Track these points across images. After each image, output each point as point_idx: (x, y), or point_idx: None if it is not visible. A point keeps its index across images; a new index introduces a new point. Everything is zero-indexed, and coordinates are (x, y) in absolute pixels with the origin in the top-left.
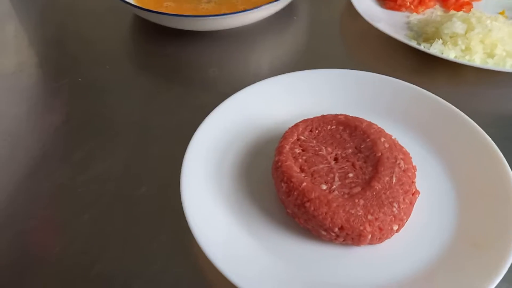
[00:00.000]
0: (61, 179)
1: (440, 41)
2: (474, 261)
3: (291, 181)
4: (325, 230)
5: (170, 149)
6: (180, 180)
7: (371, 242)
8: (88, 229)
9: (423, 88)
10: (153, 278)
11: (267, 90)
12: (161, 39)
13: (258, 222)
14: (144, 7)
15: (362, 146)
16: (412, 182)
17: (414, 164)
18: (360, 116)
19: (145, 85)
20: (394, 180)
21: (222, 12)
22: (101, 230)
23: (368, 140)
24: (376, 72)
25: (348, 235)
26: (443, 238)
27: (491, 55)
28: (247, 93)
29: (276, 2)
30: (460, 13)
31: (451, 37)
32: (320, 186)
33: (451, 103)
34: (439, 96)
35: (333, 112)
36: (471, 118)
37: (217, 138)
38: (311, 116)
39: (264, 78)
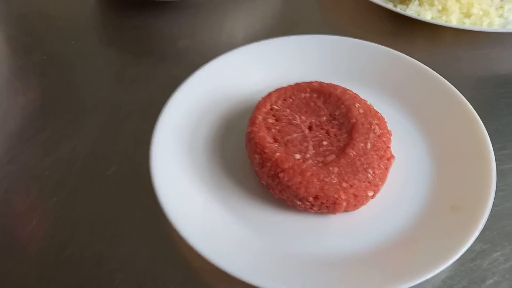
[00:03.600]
0: (27, 162)
1: (417, 2)
2: (452, 223)
3: (264, 152)
4: (300, 200)
5: (141, 126)
6: (150, 156)
7: (346, 210)
8: (57, 212)
9: (401, 51)
10: (125, 259)
11: (239, 59)
12: (128, 11)
13: (233, 195)
14: None
15: (336, 113)
16: (387, 147)
17: (389, 129)
18: (336, 83)
19: (113, 60)
20: (368, 146)
21: None
22: (70, 212)
23: (343, 106)
24: (352, 37)
25: (323, 204)
26: (420, 202)
27: (467, 15)
28: (218, 64)
29: None
30: None
31: None
32: (294, 156)
33: (429, 66)
34: (417, 59)
35: (308, 80)
36: (449, 81)
37: (188, 112)
38: (286, 85)
39: (236, 47)
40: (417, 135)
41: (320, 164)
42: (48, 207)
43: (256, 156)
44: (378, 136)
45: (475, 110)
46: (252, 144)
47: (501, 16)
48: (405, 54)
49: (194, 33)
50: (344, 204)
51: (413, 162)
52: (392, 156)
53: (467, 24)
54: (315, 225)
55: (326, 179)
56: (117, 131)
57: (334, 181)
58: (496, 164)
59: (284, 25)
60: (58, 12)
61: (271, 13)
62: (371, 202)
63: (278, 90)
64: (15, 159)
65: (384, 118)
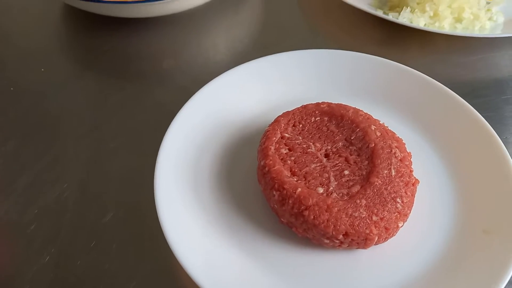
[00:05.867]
0: (7, 216)
1: (408, 9)
2: (489, 248)
3: (284, 188)
4: (328, 238)
5: (131, 160)
6: (156, 202)
7: (377, 243)
8: (50, 274)
9: (395, 60)
10: None
11: (235, 80)
12: (101, 30)
13: (250, 236)
14: None
15: (352, 138)
16: (411, 171)
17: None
18: (338, 99)
19: (91, 86)
20: (393, 173)
21: None
22: (66, 273)
23: (358, 130)
24: (344, 47)
25: (354, 241)
26: (449, 228)
27: (459, 20)
28: (214, 88)
29: None
30: None
31: (418, 3)
32: (317, 190)
33: (426, 72)
34: (412, 67)
35: (309, 98)
36: (449, 87)
37: (188, 144)
38: (287, 104)
39: (227, 65)
40: (433, 153)
41: (346, 197)
42: (39, 268)
43: (275, 193)
44: (400, 160)
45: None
46: (269, 180)
47: (490, 19)
48: (400, 63)
49: (176, 51)
50: (376, 238)
51: (434, 184)
52: (416, 181)
53: (459, 29)
54: (344, 263)
55: (355, 214)
56: (106, 170)
57: (364, 215)
58: None
59: (272, 37)
60: (21, 35)
61: (256, 24)
62: (399, 231)
63: (285, 115)
64: None
65: (401, 139)
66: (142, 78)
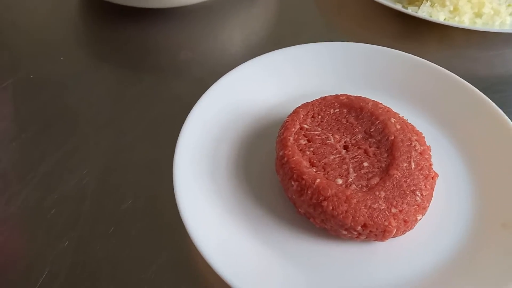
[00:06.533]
0: (26, 203)
1: (428, 3)
2: (505, 242)
3: (303, 179)
4: (346, 229)
5: (149, 151)
6: (175, 190)
7: (394, 236)
8: (70, 258)
9: (413, 53)
10: None
11: (251, 72)
12: (118, 21)
13: (267, 226)
14: None
15: (371, 130)
16: (430, 164)
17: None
18: (355, 92)
19: (109, 78)
20: (413, 166)
21: None
22: (85, 257)
23: (378, 122)
24: (360, 41)
25: (372, 232)
26: (467, 222)
27: (479, 15)
28: (230, 79)
29: None
30: None
31: None
32: (336, 181)
33: (444, 67)
34: (431, 61)
35: (325, 91)
36: (470, 83)
37: (205, 135)
38: (303, 97)
39: (242, 57)
40: (451, 148)
41: (365, 189)
42: (59, 252)
43: (293, 183)
44: (420, 153)
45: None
46: (287, 170)
47: (511, 14)
48: (418, 56)
49: (193, 43)
50: (394, 231)
51: (452, 178)
52: (436, 174)
53: (479, 24)
54: (361, 254)
55: (374, 206)
56: (125, 160)
57: (383, 207)
58: None
59: (287, 30)
60: (38, 23)
61: (272, 18)
62: (417, 224)
63: (304, 106)
64: (13, 200)
65: (421, 133)
66: (159, 70)
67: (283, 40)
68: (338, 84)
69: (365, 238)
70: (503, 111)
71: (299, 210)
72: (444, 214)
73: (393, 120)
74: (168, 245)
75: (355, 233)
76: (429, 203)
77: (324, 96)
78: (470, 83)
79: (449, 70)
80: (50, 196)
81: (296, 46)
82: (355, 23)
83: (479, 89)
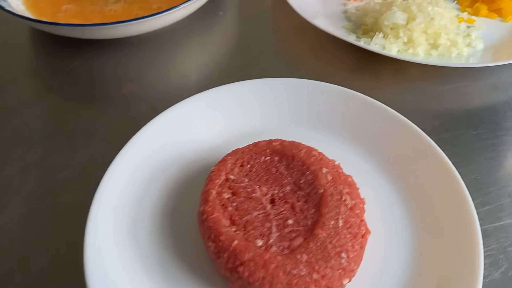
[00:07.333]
0: None
1: (381, 35)
2: None
3: (220, 240)
4: None
5: (78, 197)
6: (84, 243)
7: None
8: None
9: (366, 87)
10: None
11: (193, 109)
12: (65, 51)
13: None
14: (37, 18)
15: (301, 182)
16: (361, 220)
17: (362, 196)
18: (300, 130)
19: (46, 110)
20: (340, 223)
21: (134, 14)
22: None
23: (308, 173)
24: (314, 73)
25: None
26: (402, 282)
27: (435, 46)
28: (167, 117)
29: None
30: (399, 0)
31: (392, 28)
32: (255, 243)
33: (397, 104)
34: (384, 96)
35: (269, 129)
36: (420, 122)
37: (133, 181)
38: (246, 136)
39: (187, 91)
40: (392, 194)
41: (286, 251)
42: None
43: (211, 244)
44: (350, 208)
45: (451, 157)
46: (206, 228)
47: (469, 45)
48: (371, 90)
49: (140, 75)
50: None
51: (390, 233)
52: (367, 231)
53: (434, 56)
54: None
55: (294, 271)
56: (48, 206)
57: (303, 273)
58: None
59: (241, 61)
60: None
61: (226, 47)
62: (347, 286)
63: (234, 154)
64: None
65: (355, 184)
66: (101, 104)
67: (235, 71)
68: (285, 122)
69: None
70: (454, 152)
71: (219, 271)
72: (376, 276)
73: (324, 170)
74: None
75: None
76: (357, 265)
77: (257, 141)
78: (422, 121)
79: (401, 105)
80: None
81: (241, 82)
82: (311, 54)
83: (430, 127)
